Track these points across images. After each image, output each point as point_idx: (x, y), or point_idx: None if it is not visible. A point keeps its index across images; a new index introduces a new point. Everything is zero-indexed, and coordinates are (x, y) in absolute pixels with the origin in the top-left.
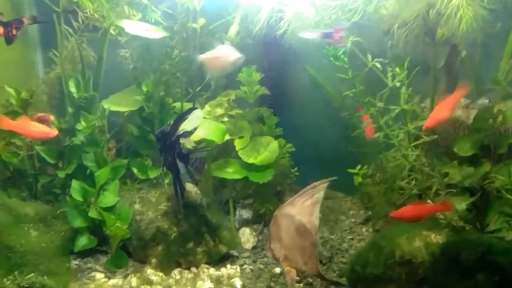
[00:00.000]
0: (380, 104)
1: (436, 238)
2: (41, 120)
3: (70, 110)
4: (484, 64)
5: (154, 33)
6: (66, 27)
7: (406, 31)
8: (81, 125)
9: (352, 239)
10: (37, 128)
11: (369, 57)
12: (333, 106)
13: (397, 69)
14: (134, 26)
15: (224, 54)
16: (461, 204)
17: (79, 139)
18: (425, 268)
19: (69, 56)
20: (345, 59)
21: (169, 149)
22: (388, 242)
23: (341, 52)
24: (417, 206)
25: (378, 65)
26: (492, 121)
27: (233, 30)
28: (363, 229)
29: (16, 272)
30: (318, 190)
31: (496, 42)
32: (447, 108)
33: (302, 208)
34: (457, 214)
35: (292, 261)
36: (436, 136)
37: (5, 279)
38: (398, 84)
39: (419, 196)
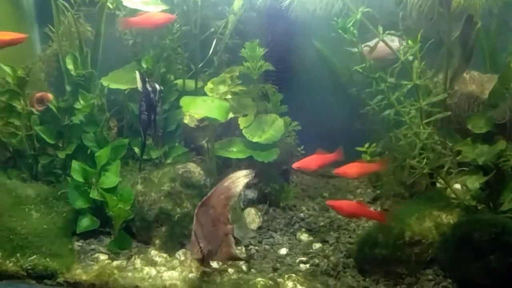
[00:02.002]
0: (391, 79)
1: (447, 218)
2: (40, 100)
3: (68, 88)
4: (501, 35)
5: (153, 6)
6: (63, 1)
7: (420, 0)
8: (80, 104)
9: (360, 218)
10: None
11: (380, 29)
12: (341, 82)
13: (410, 42)
14: (132, 0)
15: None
16: (474, 183)
17: (78, 118)
18: (435, 249)
19: (66, 32)
20: (355, 31)
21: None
22: (397, 222)
23: (350, 24)
24: (356, 205)
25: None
26: (508, 96)
27: (237, 5)
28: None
29: (18, 254)
30: (235, 185)
31: None
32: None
33: (217, 202)
34: (470, 193)
35: (211, 253)
36: (449, 113)
37: (7, 261)
38: (410, 58)
39: (430, 175)
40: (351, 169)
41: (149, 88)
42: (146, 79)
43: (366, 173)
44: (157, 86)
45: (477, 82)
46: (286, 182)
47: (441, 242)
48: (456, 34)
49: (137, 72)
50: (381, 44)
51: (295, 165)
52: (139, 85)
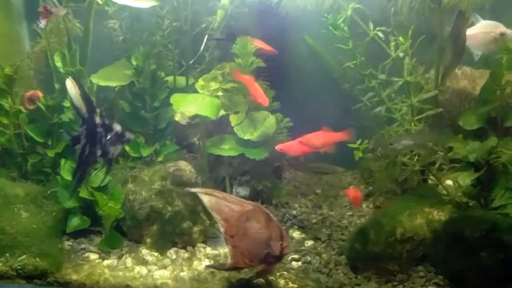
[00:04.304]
0: (382, 76)
1: (439, 215)
2: (31, 99)
3: (57, 86)
4: None
5: (143, 2)
6: None
7: None
8: (69, 102)
9: (352, 215)
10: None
11: (371, 25)
12: (333, 78)
13: (401, 38)
14: None
15: (486, 30)
16: (466, 180)
17: (67, 116)
18: (427, 246)
19: (55, 29)
20: (345, 28)
21: None
22: (389, 219)
23: (341, 20)
24: (321, 134)
25: (380, 34)
26: (499, 93)
27: (227, 0)
28: (364, 205)
29: (7, 254)
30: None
31: (505, 7)
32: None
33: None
34: (461, 189)
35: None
36: (440, 109)
37: None
38: (401, 55)
39: (421, 172)
40: (294, 147)
41: (97, 121)
42: (98, 110)
43: (309, 151)
44: (117, 127)
45: (469, 78)
46: (278, 179)
47: (432, 239)
48: (448, 31)
49: (68, 80)
50: (482, 30)
51: (278, 147)
52: (72, 94)
